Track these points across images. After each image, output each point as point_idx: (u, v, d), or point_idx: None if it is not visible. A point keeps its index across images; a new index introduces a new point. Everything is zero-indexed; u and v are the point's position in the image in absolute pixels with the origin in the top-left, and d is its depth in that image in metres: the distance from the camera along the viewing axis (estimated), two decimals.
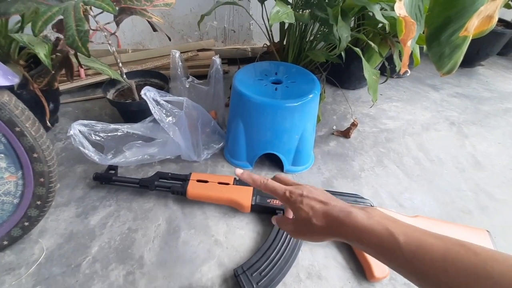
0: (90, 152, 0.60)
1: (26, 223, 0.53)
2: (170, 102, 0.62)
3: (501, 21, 1.35)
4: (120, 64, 0.70)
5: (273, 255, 0.54)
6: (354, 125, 0.87)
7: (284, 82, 0.72)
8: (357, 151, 0.84)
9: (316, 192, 0.37)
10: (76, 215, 0.61)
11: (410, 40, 0.47)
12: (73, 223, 0.60)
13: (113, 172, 0.67)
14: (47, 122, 0.73)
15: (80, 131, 0.59)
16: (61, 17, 0.48)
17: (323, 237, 0.35)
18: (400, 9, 0.45)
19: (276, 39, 1.00)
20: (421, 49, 0.88)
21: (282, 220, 0.40)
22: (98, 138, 0.64)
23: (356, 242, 0.31)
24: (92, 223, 0.60)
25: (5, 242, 0.53)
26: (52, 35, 0.77)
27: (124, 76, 0.74)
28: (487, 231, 0.59)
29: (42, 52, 0.51)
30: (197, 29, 1.19)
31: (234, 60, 1.20)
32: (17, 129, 0.45)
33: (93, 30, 0.64)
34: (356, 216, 0.32)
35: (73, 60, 0.59)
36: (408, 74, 0.67)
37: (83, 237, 0.58)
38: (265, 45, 1.05)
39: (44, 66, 0.58)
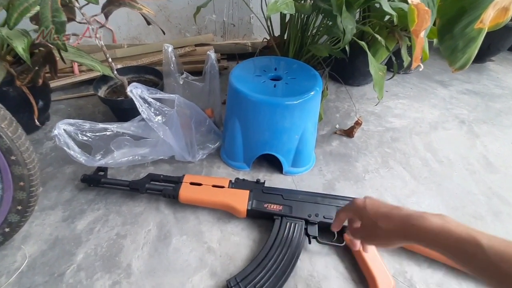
0: (75, 153, 0.56)
1: (7, 229, 0.50)
2: (160, 100, 0.58)
3: None
4: (110, 59, 0.66)
5: (269, 264, 0.50)
6: (358, 123, 0.83)
7: (283, 79, 0.68)
8: (361, 152, 0.80)
9: (379, 200, 0.40)
10: (63, 219, 0.58)
11: (423, 31, 0.43)
12: (59, 228, 0.57)
13: (102, 173, 0.63)
14: (36, 120, 0.70)
15: (65, 130, 0.56)
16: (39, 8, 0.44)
17: (390, 240, 0.36)
18: None
19: (277, 33, 0.95)
20: (430, 43, 0.82)
21: (352, 230, 0.43)
22: (85, 138, 0.60)
23: (429, 244, 0.32)
24: (78, 228, 0.57)
25: None
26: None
27: (115, 72, 0.70)
28: None
29: (20, 46, 0.47)
30: (195, 23, 1.15)
31: (233, 55, 1.16)
32: None
33: (80, 23, 0.61)
34: (430, 218, 0.33)
35: (57, 55, 0.55)
36: (420, 69, 0.62)
37: (69, 243, 0.54)
38: (265, 40, 1.00)
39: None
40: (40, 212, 0.59)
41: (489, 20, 0.57)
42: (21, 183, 0.47)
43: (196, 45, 1.10)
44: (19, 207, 0.48)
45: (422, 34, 0.44)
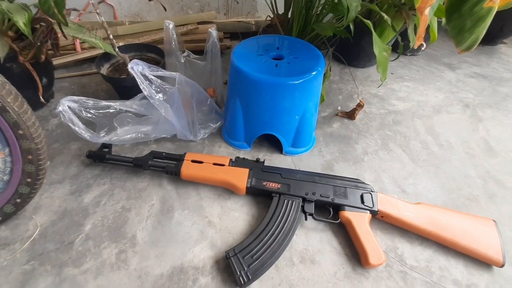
0: (80, 129, 0.58)
1: (18, 200, 0.52)
2: (161, 78, 0.58)
3: None
4: (111, 36, 0.66)
5: (266, 238, 0.52)
6: (360, 105, 0.82)
7: (285, 58, 0.67)
8: (361, 134, 0.80)
9: None
10: (70, 193, 0.61)
11: (428, 8, 0.41)
12: (67, 201, 0.60)
13: (106, 150, 0.65)
14: (40, 97, 0.71)
15: (69, 107, 0.57)
16: None
17: None
18: None
19: (281, 10, 0.92)
20: (438, 23, 0.80)
21: None
22: (89, 115, 0.61)
23: None
24: (86, 201, 0.60)
25: None
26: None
27: (117, 50, 0.70)
28: (494, 220, 0.57)
29: (21, 21, 0.47)
30: None
31: (237, 34, 1.13)
32: None
33: None
34: None
35: (59, 31, 0.55)
36: (423, 48, 0.61)
37: (77, 214, 0.57)
38: (268, 18, 0.98)
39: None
40: (49, 186, 0.62)
41: None
42: (30, 157, 0.49)
43: (199, 23, 1.08)
44: (29, 180, 0.51)
45: (427, 11, 0.43)
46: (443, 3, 0.58)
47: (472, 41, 0.58)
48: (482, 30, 0.57)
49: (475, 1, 0.55)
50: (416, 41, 0.46)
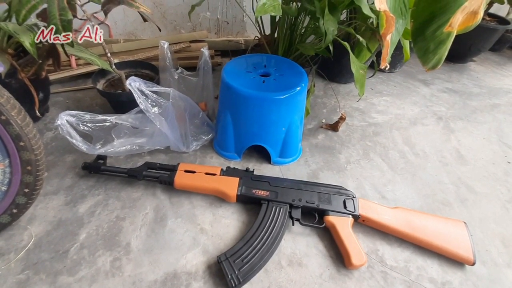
0: (77, 141, 0.61)
1: (15, 210, 0.54)
2: (157, 93, 0.62)
3: (494, 16, 1.35)
4: (109, 54, 0.70)
5: (255, 243, 0.56)
6: (342, 118, 0.88)
7: (272, 75, 0.73)
8: (344, 144, 0.86)
9: None
10: (65, 203, 0.63)
11: (390, 34, 0.48)
12: (62, 211, 0.61)
13: (102, 161, 0.68)
14: (36, 111, 0.74)
15: (67, 121, 0.60)
16: (46, 6, 0.48)
17: None
18: (381, 4, 0.46)
19: (268, 31, 1.00)
20: (411, 44, 0.88)
21: None
22: (86, 128, 0.64)
23: None
24: (80, 211, 0.61)
25: None
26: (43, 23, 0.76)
27: (113, 66, 0.74)
28: (464, 222, 0.62)
29: (27, 41, 0.51)
30: (190, 20, 1.18)
31: (227, 52, 1.20)
32: (3, 117, 0.46)
33: (81, 19, 0.64)
34: None
35: (60, 49, 0.59)
36: (387, 69, 0.67)
37: (72, 224, 0.59)
38: (256, 38, 1.05)
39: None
40: (44, 197, 0.63)
41: (458, 23, 0.63)
42: (29, 167, 0.51)
43: (191, 42, 1.14)
44: (26, 190, 0.53)
45: (388, 37, 0.49)
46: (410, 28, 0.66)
47: (436, 61, 0.66)
48: (444, 52, 0.65)
49: (436, 27, 0.63)
50: (382, 62, 0.53)
